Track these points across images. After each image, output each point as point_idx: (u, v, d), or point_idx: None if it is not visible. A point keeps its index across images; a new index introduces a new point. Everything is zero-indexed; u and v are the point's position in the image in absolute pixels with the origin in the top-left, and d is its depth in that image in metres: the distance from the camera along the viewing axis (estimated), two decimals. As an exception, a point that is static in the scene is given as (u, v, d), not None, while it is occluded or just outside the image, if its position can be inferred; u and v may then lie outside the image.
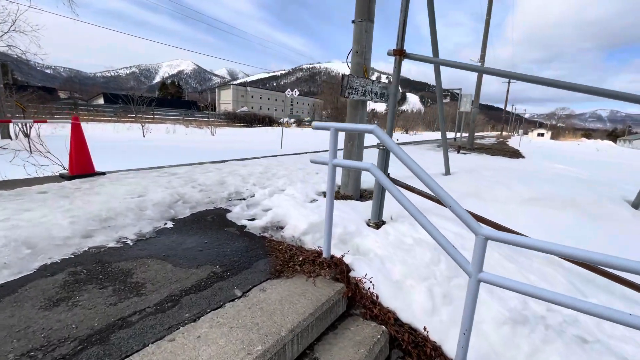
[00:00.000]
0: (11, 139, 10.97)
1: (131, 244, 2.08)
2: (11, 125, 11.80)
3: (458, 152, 10.12)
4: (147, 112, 34.21)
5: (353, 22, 3.28)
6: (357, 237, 2.39)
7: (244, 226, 2.51)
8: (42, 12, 10.51)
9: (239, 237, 2.30)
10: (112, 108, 35.01)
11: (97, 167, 3.79)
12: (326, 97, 61.75)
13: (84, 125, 21.31)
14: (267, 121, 42.46)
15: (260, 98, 75.94)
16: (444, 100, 3.62)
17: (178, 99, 75.24)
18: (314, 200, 3.22)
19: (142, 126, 15.80)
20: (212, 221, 2.60)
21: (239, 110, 54.08)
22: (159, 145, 10.95)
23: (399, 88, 3.21)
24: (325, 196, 3.41)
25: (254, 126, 38.55)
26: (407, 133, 40.99)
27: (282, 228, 2.49)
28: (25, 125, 11.73)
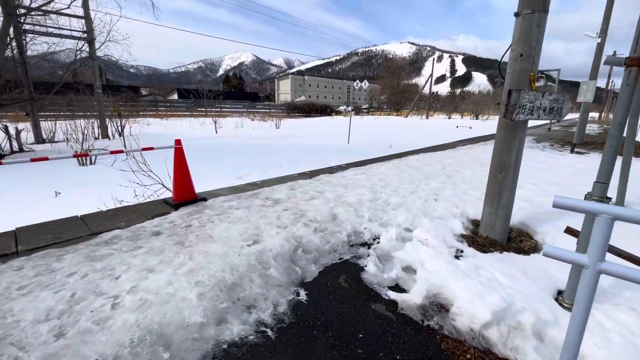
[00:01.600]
0: (109, 139, 12.10)
1: (272, 335, 1.66)
2: (109, 125, 13.02)
3: (572, 151, 8.40)
4: (214, 106, 36.27)
5: (517, 14, 2.44)
6: (552, 327, 1.68)
7: (394, 302, 1.95)
8: (131, 20, 11.18)
9: (398, 327, 1.75)
10: (185, 103, 37.78)
11: (192, 177, 3.61)
12: (384, 81, 58.85)
13: (164, 122, 23.18)
14: (327, 111, 42.06)
15: (318, 86, 75.81)
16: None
17: (241, 90, 78.88)
18: (459, 252, 2.55)
19: (215, 122, 16.45)
20: (349, 287, 2.10)
21: (297, 100, 54.63)
22: (232, 143, 11.13)
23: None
24: (466, 242, 2.71)
25: (312, 116, 38.52)
26: (477, 118, 37.18)
27: (447, 310, 1.88)
28: (120, 126, 12.82)
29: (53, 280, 1.93)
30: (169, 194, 3.96)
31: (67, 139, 11.42)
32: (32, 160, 2.57)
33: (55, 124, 11.59)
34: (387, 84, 57.34)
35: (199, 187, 3.72)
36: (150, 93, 46.34)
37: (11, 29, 8.98)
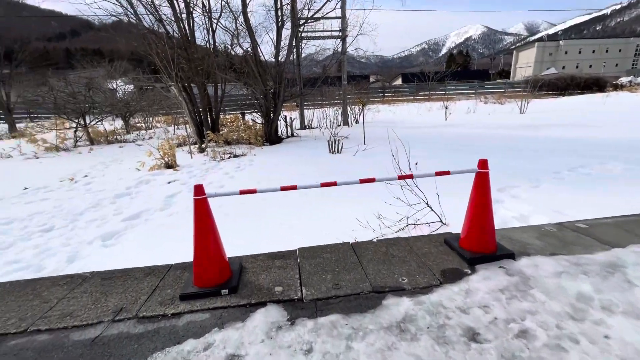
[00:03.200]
0: (349, 126, 13.52)
1: None
2: (349, 113, 14.55)
3: None
4: (438, 89, 34.33)
5: None
6: None
7: None
8: (382, 10, 11.49)
9: None
10: (408, 87, 38.11)
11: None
12: None
13: (391, 108, 23.70)
14: (596, 85, 30.35)
15: (580, 52, 56.52)
16: None
17: (466, 69, 71.48)
18: None
19: (445, 108, 15.08)
20: None
21: (544, 74, 42.84)
22: (468, 134, 9.45)
23: None
24: None
25: (570, 93, 28.84)
26: None
27: None
28: (362, 114, 13.94)
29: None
30: (435, 222, 3.23)
31: (319, 125, 13.68)
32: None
33: (313, 112, 14.13)
34: None
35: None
36: (378, 80, 50.21)
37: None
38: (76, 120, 10.96)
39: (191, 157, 8.20)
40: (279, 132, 11.07)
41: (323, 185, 2.31)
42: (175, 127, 14.42)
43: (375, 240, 2.77)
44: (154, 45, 9.02)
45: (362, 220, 3.26)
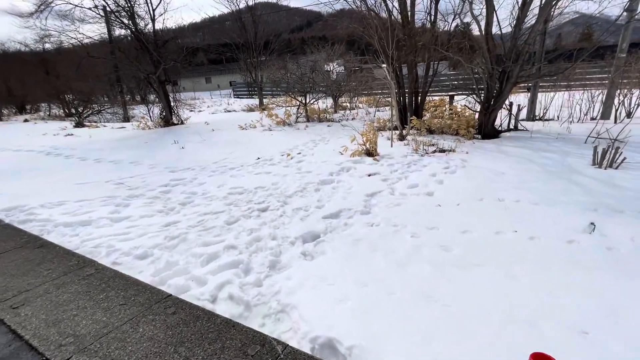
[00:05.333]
0: (614, 122, 9.15)
1: None
2: (616, 100, 9.88)
3: None
4: None
5: None
6: None
7: None
8: None
9: None
10: None
11: None
12: None
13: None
14: None
15: None
16: None
17: None
18: None
19: None
20: None
21: None
22: None
23: None
24: None
25: None
26: None
27: None
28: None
29: None
30: None
31: (557, 116, 10.03)
32: None
33: (552, 97, 10.45)
34: None
35: None
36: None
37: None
38: (299, 99, 12.64)
39: (391, 145, 7.57)
40: (497, 124, 8.75)
41: None
42: (376, 109, 14.40)
43: None
44: (373, 25, 8.71)
45: None
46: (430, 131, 8.94)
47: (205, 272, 2.41)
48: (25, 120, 20.91)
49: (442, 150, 6.74)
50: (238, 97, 31.74)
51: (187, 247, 2.99)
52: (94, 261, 2.60)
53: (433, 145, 7.11)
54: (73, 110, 19.22)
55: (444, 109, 12.38)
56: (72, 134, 12.66)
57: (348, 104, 16.21)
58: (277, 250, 2.85)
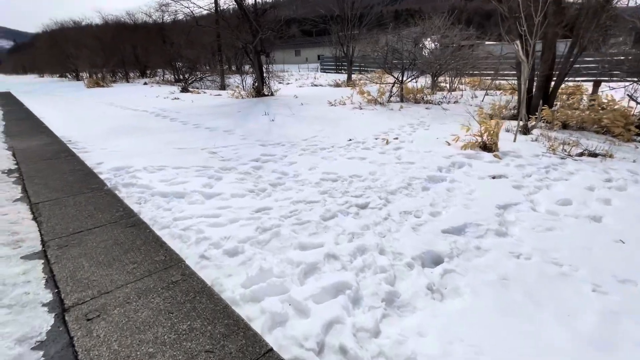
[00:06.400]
0: None
1: None
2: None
3: None
4: None
5: None
6: None
7: None
8: None
9: None
10: None
11: None
12: None
13: None
14: None
15: None
16: None
17: None
18: None
19: None
20: None
21: None
22: None
23: None
24: None
25: None
26: None
27: None
28: None
29: None
30: None
31: None
32: None
33: None
34: None
35: None
36: None
37: None
38: (396, 76, 11.40)
39: (514, 139, 6.10)
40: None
41: None
42: (485, 93, 12.27)
43: None
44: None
45: None
46: (564, 125, 7.05)
47: (305, 294, 1.87)
48: (145, 83, 23.89)
49: (594, 154, 5.08)
50: (325, 72, 31.26)
51: (281, 245, 2.52)
52: (181, 261, 2.26)
53: (577, 145, 5.45)
54: (180, 77, 21.20)
55: (581, 98, 9.84)
56: (178, 98, 13.78)
57: (447, 85, 14.25)
58: (391, 274, 2.15)
